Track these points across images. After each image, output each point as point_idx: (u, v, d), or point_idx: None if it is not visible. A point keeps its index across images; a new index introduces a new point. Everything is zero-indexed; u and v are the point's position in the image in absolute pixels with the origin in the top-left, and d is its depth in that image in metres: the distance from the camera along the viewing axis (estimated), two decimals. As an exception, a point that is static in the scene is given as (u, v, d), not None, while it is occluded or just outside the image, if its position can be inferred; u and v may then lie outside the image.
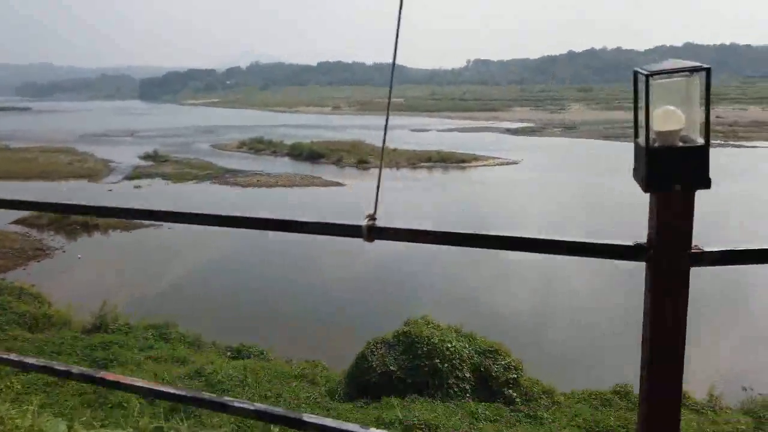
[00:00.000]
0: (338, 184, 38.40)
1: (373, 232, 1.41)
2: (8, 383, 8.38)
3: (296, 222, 1.45)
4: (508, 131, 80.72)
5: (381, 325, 15.75)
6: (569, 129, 79.40)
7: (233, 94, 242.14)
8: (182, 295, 18.57)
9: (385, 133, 1.60)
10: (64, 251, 22.40)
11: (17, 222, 26.20)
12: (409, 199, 34.21)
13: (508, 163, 48.11)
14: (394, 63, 1.49)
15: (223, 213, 1.54)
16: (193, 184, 38.36)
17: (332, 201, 33.58)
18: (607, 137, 66.26)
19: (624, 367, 10.13)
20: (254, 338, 13.96)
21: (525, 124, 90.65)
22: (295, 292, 18.64)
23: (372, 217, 1.42)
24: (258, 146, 57.99)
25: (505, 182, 40.33)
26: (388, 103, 1.83)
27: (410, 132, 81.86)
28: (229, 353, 12.31)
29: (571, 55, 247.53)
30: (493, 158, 50.24)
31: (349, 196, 34.81)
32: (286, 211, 30.37)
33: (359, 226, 1.40)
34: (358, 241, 1.50)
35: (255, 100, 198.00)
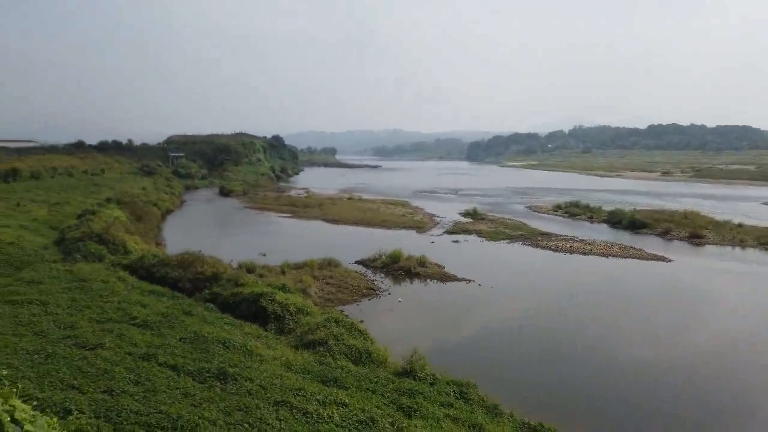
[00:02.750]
0: (663, 258, 34.03)
1: None
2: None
3: None
4: None
5: None
6: None
7: (553, 157, 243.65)
8: (486, 351, 18.65)
9: None
10: (389, 294, 25.11)
11: (358, 262, 30.70)
12: (759, 286, 28.08)
13: None
14: None
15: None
16: (505, 243, 39.16)
17: (653, 278, 29.83)
18: None
19: None
20: (553, 416, 12.92)
21: None
22: (611, 369, 16.77)
23: None
24: (574, 210, 56.21)
25: None
26: None
27: (761, 205, 68.50)
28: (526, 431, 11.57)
29: None
30: None
31: (674, 274, 30.47)
32: (595, 282, 28.24)
33: None
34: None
35: (574, 163, 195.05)
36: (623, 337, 20.42)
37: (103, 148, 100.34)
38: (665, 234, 42.98)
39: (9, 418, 2.51)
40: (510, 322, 21.92)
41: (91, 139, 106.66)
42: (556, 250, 36.47)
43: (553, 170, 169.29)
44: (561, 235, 42.01)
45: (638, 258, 34.18)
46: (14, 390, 2.82)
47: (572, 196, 71.31)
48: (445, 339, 19.53)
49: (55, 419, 3.29)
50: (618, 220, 48.63)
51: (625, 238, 41.95)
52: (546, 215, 56.31)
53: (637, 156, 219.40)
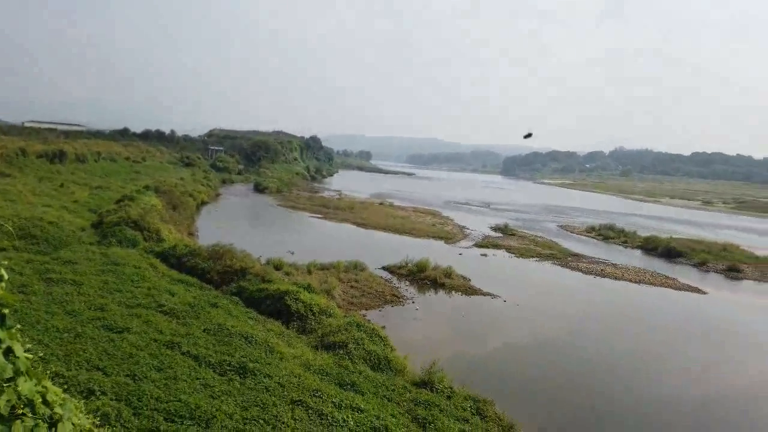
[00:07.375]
0: (697, 290, 33.05)
1: None
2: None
3: None
4: None
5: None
6: None
7: (590, 177, 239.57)
8: (507, 368, 18.38)
9: None
10: (413, 302, 25.04)
11: (384, 268, 30.73)
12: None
13: None
14: None
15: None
16: (534, 261, 38.66)
17: (685, 309, 29.01)
18: None
19: None
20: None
21: None
22: (632, 396, 16.34)
23: None
24: (608, 233, 55.11)
25: None
26: None
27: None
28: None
29: None
30: None
31: (708, 307, 29.57)
32: (624, 308, 27.63)
33: None
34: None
35: (612, 185, 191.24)
36: (648, 366, 19.90)
37: (147, 136, 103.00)
38: (701, 265, 41.73)
39: (41, 400, 2.60)
40: (533, 341, 21.60)
41: (136, 128, 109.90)
42: (587, 272, 35.82)
43: (588, 191, 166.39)
44: (593, 258, 41.26)
45: (671, 287, 33.27)
46: (47, 372, 2.93)
47: (607, 218, 69.97)
48: (466, 353, 19.36)
49: (81, 402, 3.40)
50: (653, 247, 47.50)
51: (659, 266, 40.92)
52: (579, 236, 55.36)
53: (678, 183, 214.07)
